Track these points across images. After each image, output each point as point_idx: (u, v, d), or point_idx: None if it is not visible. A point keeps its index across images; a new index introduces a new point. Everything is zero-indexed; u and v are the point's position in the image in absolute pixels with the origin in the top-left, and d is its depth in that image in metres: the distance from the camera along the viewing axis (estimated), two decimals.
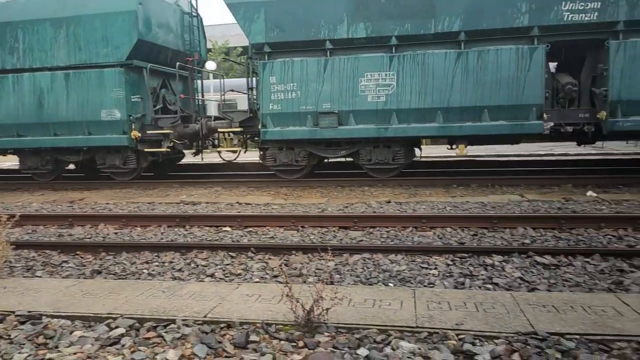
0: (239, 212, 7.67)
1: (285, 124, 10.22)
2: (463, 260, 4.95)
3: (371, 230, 6.33)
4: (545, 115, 9.28)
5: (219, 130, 11.33)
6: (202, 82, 12.38)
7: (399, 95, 9.65)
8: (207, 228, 6.77)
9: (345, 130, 9.98)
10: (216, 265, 5.13)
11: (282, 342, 3.03)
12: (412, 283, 4.39)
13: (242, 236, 6.28)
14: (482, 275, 4.49)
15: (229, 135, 11.82)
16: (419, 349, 2.84)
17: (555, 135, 9.90)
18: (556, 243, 5.42)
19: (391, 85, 9.66)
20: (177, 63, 11.12)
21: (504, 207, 7.42)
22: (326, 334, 3.11)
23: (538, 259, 4.82)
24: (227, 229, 6.71)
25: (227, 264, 5.15)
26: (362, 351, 2.85)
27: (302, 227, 6.57)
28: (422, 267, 4.79)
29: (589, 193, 8.46)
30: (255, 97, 10.82)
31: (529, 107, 9.29)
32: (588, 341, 2.85)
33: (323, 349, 2.93)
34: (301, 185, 10.43)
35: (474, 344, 2.87)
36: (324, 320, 3.20)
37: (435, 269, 4.74)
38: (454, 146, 10.58)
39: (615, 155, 13.39)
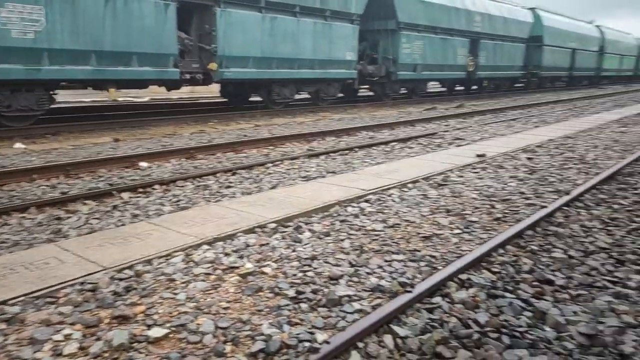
0: None
1: None
2: None
3: None
4: (179, 65, 10.91)
5: None
6: None
7: (50, 34, 8.72)
8: None
9: None
10: None
11: None
12: None
13: None
14: None
15: None
16: None
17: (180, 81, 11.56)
18: None
19: (40, 21, 8.57)
20: None
21: None
22: None
23: None
24: None
25: None
26: None
27: None
28: None
29: (17, 145, 8.09)
30: None
31: (167, 57, 10.61)
32: (35, 299, 2.75)
33: None
34: None
35: None
36: None
37: None
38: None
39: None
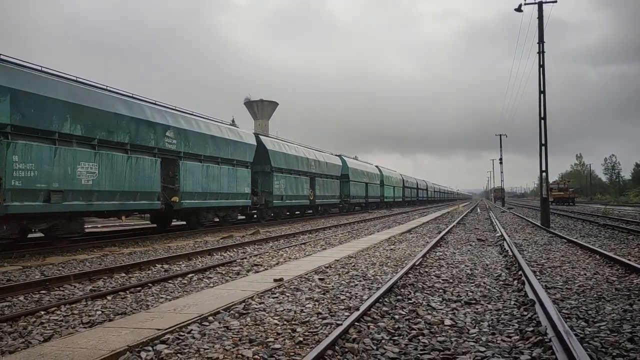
0: None
1: None
2: None
3: None
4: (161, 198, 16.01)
5: None
6: None
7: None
8: None
9: None
10: None
11: None
12: None
13: None
14: None
15: None
16: None
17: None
18: None
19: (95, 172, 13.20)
20: None
21: None
22: None
23: None
24: None
25: None
26: None
27: None
28: None
29: None
30: None
31: (154, 193, 15.47)
32: None
33: None
34: None
35: None
36: None
37: None
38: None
39: None
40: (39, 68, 12.64)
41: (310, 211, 32.63)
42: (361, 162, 45.87)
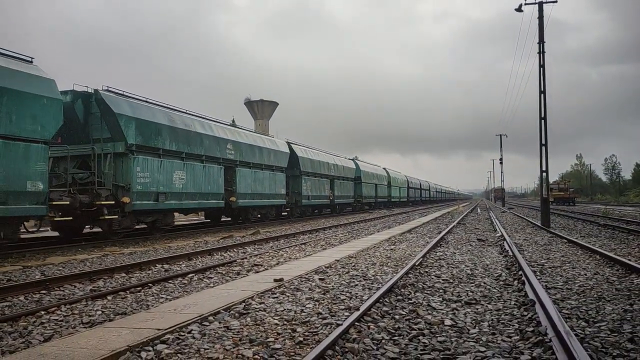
0: None
1: None
2: None
3: None
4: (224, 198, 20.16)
5: None
6: None
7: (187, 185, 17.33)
8: None
9: None
10: None
11: None
12: None
13: None
14: None
15: None
16: None
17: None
18: None
19: (184, 179, 17.18)
20: None
21: None
22: None
23: None
24: None
25: None
26: None
27: None
28: None
29: None
30: None
31: (220, 194, 19.63)
32: None
33: None
34: None
35: None
36: None
37: None
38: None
39: None
40: (145, 99, 16.62)
41: (329, 210, 36.49)
42: (371, 164, 49.75)
